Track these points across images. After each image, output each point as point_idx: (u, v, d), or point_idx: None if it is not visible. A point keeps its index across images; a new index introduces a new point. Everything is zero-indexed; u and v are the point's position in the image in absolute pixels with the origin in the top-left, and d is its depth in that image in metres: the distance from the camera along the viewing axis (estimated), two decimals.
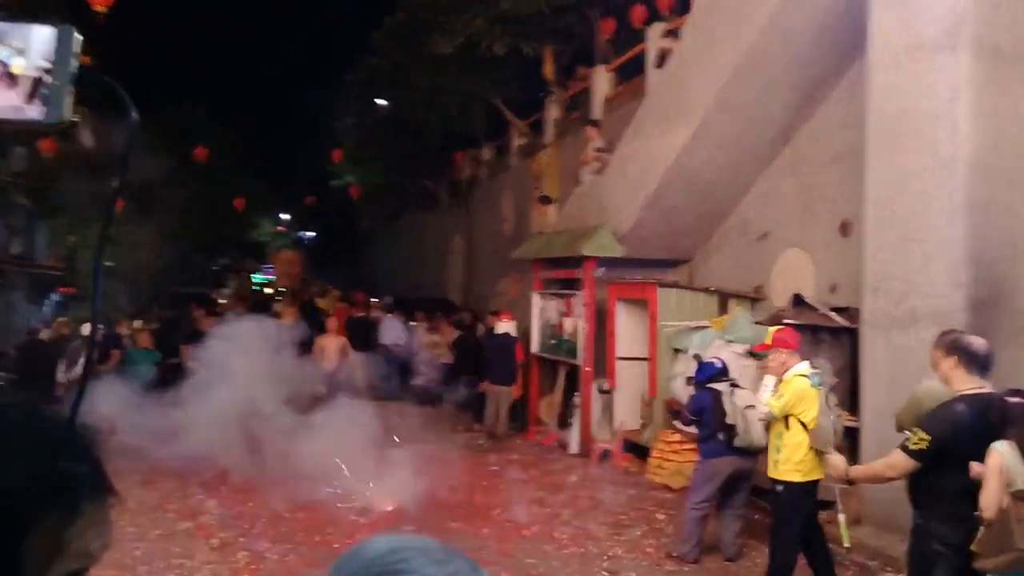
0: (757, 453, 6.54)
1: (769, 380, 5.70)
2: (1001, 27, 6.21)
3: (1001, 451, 3.69)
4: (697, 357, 7.86)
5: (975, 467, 3.82)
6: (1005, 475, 3.65)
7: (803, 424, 5.38)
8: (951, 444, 3.90)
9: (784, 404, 5.42)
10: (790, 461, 5.38)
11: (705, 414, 6.68)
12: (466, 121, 18.67)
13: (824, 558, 5.72)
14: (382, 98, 22.61)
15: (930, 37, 6.34)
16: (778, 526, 5.65)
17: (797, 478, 5.38)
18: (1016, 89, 6.24)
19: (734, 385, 6.77)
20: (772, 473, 5.58)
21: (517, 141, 18.16)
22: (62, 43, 1.19)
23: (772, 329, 5.95)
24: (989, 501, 3.68)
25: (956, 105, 6.14)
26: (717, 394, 6.65)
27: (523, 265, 14.44)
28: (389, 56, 19.03)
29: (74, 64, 1.21)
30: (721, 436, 6.50)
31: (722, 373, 6.89)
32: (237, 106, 27.14)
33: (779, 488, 5.51)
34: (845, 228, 8.65)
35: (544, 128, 16.51)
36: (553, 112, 16.12)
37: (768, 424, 5.79)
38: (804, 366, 5.68)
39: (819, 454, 5.30)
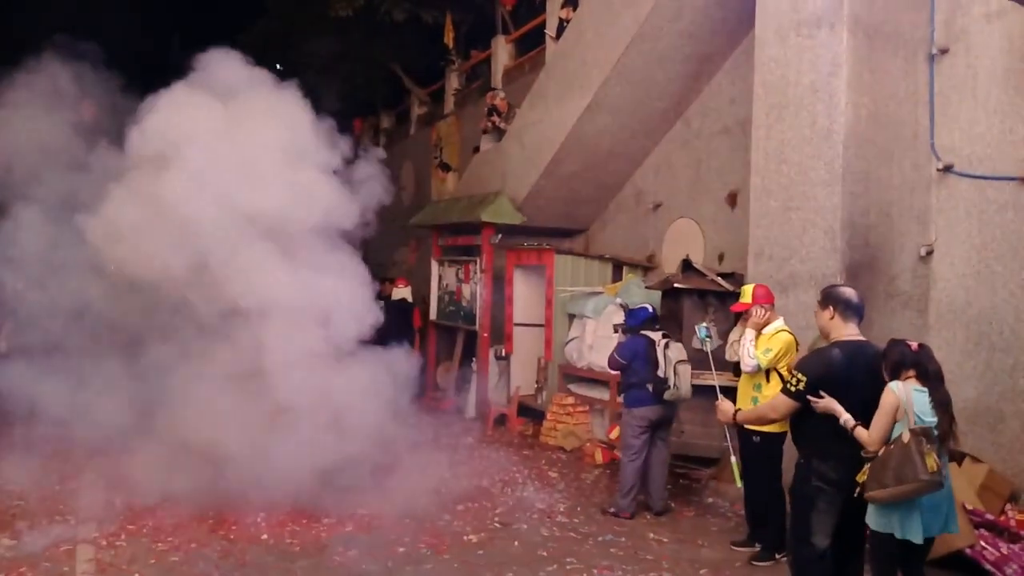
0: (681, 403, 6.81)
1: (749, 333, 5.84)
2: (878, 7, 6.56)
3: (896, 391, 4.01)
4: (623, 305, 7.88)
5: (819, 402, 4.16)
6: (901, 413, 3.96)
7: (782, 377, 5.57)
8: (825, 384, 4.20)
9: (772, 358, 5.64)
10: None
11: (636, 361, 6.70)
12: (367, 88, 18.40)
13: None
14: (277, 62, 21.98)
15: (812, 13, 6.63)
16: (766, 476, 5.77)
17: (775, 429, 5.51)
18: (891, 67, 6.61)
19: (667, 336, 6.84)
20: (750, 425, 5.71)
21: (417, 110, 18.01)
22: None
23: (748, 287, 6.08)
24: (875, 436, 4.00)
25: (835, 79, 6.46)
26: (650, 342, 6.71)
27: (421, 233, 14.44)
28: (284, 19, 18.54)
29: None
30: (650, 387, 6.61)
31: (653, 320, 6.94)
32: (116, 68, 25.52)
33: (755, 439, 5.68)
34: (732, 199, 9.00)
35: (444, 97, 16.43)
36: (453, 82, 16.06)
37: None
38: (782, 321, 5.91)
39: None
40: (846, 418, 4.14)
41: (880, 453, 3.98)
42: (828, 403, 4.18)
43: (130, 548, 5.69)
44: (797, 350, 5.77)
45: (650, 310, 7.06)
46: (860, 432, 4.08)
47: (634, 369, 6.73)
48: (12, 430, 7.64)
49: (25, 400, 6.88)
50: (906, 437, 3.89)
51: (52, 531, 5.93)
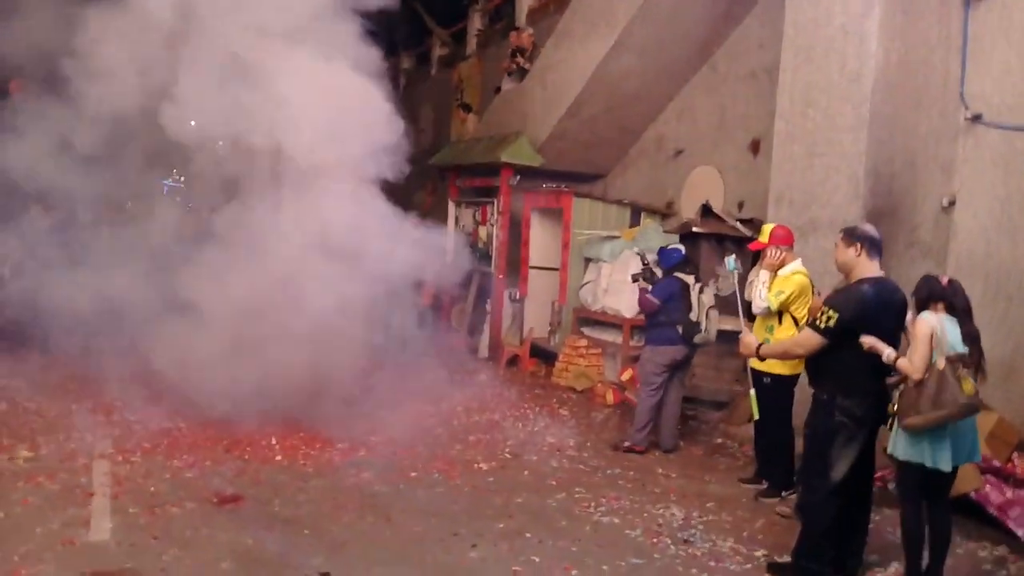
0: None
1: (764, 274, 5.81)
2: None
3: (930, 320, 4.05)
4: (641, 254, 7.74)
5: (866, 339, 4.15)
6: (934, 341, 4.01)
7: (795, 320, 5.57)
8: (858, 320, 4.19)
9: (785, 300, 5.61)
10: None
11: (671, 302, 6.70)
12: (387, 28, 18.14)
13: None
14: None
15: None
16: (777, 418, 5.75)
17: (786, 371, 5.56)
18: (925, 10, 6.47)
19: (699, 280, 6.87)
20: (758, 365, 5.63)
21: (438, 51, 17.82)
22: None
23: (768, 226, 6.01)
24: (917, 364, 4.03)
25: (867, 21, 6.34)
26: (685, 285, 6.73)
27: (438, 175, 14.39)
28: None
29: None
30: (680, 329, 6.64)
31: (685, 262, 6.93)
32: None
33: (766, 380, 5.67)
34: (755, 146, 8.91)
35: (467, 38, 16.24)
36: (476, 22, 15.84)
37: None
38: (799, 263, 5.83)
39: None
40: (888, 353, 4.11)
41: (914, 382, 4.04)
42: (873, 342, 4.15)
43: (145, 464, 5.78)
44: (813, 294, 5.73)
45: (683, 251, 7.03)
46: (903, 363, 4.07)
47: (666, 310, 6.72)
48: (29, 345, 7.79)
49: (40, 316, 7.00)
50: (941, 364, 3.96)
51: (69, 445, 6.04)
